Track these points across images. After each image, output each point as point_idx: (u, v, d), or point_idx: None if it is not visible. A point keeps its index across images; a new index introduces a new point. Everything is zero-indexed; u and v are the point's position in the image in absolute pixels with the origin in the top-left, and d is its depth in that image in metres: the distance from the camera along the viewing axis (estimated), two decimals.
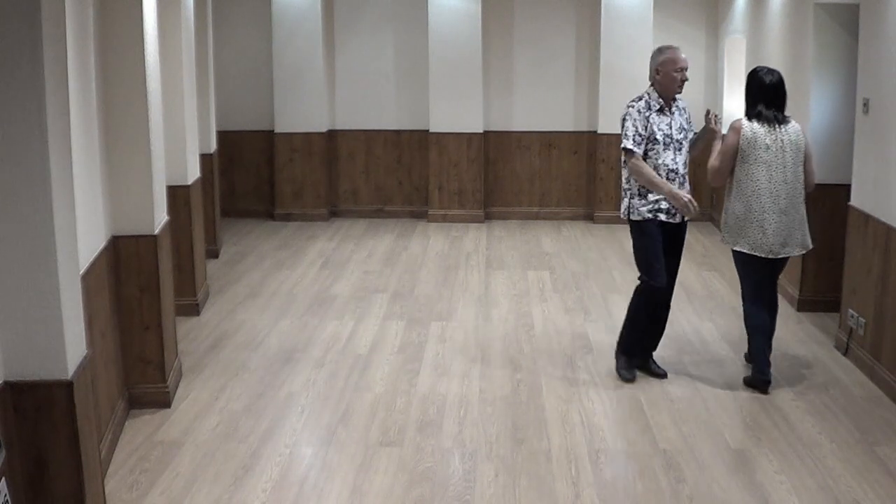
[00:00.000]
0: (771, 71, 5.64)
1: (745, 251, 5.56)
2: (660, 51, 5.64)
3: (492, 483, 4.50)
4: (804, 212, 5.59)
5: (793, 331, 6.72)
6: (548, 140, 10.72)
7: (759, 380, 5.60)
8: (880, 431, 5.07)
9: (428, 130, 10.58)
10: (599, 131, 10.42)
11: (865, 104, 5.98)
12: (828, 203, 6.91)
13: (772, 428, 5.11)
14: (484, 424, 5.16)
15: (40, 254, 3.12)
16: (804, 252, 5.72)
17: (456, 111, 10.43)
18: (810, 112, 6.95)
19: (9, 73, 3.00)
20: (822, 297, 7.06)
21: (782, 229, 5.48)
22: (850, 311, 6.09)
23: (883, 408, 5.37)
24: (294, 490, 4.44)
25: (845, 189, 6.38)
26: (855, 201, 6.16)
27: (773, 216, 5.46)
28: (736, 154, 5.51)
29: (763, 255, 5.53)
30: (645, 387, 5.69)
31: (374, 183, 10.91)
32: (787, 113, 5.59)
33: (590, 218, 10.63)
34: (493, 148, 10.71)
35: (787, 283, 7.38)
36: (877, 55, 5.83)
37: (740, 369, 5.95)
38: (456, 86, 10.38)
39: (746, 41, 8.92)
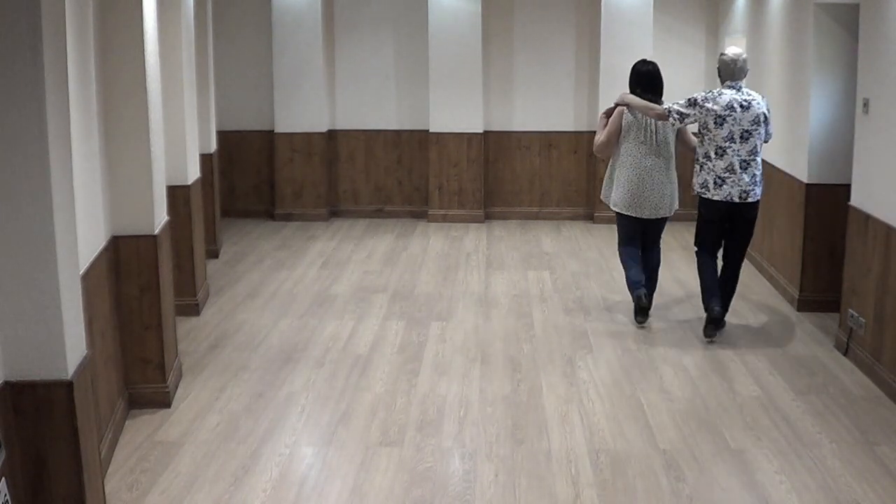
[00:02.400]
0: (646, 63, 6.78)
1: (622, 212, 6.86)
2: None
3: (492, 483, 4.50)
4: (675, 178, 6.76)
5: (793, 331, 6.72)
6: (548, 140, 10.71)
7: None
8: (880, 431, 5.07)
9: (428, 130, 10.57)
10: None
11: (865, 104, 5.98)
12: (828, 203, 6.91)
13: (772, 428, 5.11)
14: (484, 424, 5.16)
15: (40, 254, 3.12)
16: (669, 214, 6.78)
17: (456, 111, 10.42)
18: (810, 112, 6.95)
19: (9, 73, 2.99)
20: (822, 297, 7.06)
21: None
22: (850, 311, 6.09)
23: (883, 408, 5.38)
24: (294, 490, 4.44)
25: (845, 189, 6.37)
26: (855, 201, 6.16)
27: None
28: (619, 133, 6.75)
29: (636, 216, 6.78)
30: (645, 387, 5.70)
31: (374, 183, 10.91)
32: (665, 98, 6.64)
33: (590, 218, 10.63)
34: (493, 148, 10.70)
35: (787, 283, 7.38)
36: (877, 55, 5.83)
37: (742, 368, 5.96)
38: (456, 86, 10.37)
39: (746, 41, 8.92)
